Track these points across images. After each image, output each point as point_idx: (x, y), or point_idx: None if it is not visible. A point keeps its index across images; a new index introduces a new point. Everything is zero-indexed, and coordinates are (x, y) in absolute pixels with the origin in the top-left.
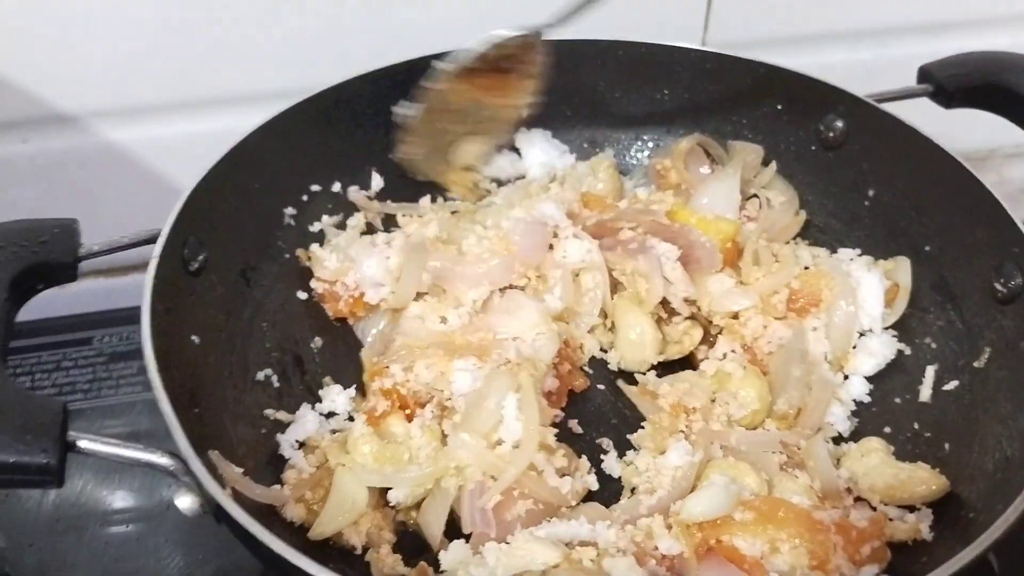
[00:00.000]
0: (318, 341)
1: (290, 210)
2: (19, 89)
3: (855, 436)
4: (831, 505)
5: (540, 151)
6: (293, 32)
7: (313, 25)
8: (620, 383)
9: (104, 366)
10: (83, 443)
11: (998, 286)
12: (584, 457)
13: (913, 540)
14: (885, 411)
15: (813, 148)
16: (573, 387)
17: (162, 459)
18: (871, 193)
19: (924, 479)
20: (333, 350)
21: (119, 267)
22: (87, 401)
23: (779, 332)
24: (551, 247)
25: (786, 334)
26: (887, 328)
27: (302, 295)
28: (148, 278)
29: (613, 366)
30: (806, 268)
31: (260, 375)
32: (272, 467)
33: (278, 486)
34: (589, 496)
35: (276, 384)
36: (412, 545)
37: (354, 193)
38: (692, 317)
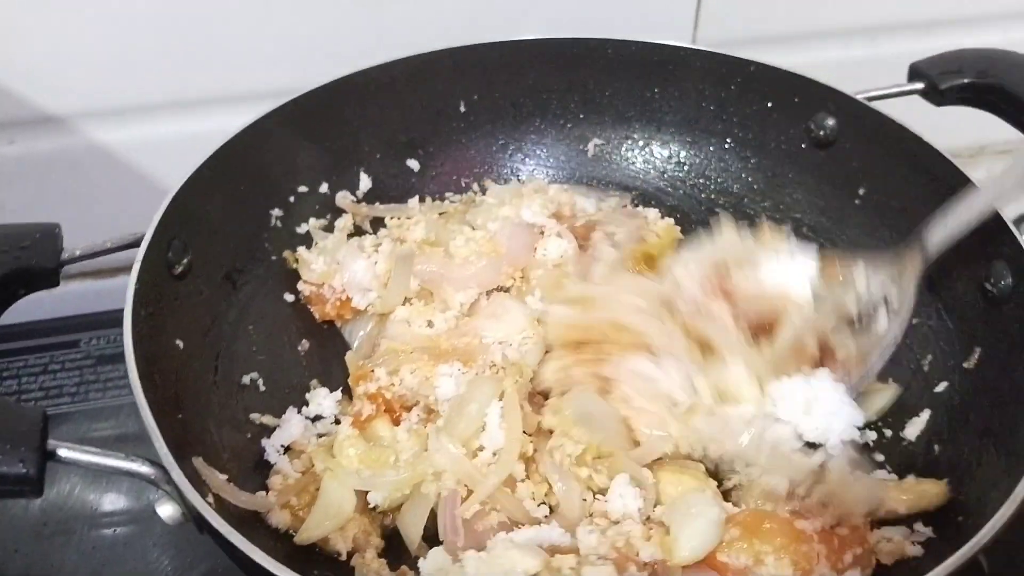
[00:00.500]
0: (305, 344)
1: (277, 211)
2: (6, 90)
3: None
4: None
5: None
6: (281, 32)
7: (302, 25)
8: None
9: (91, 369)
10: (63, 452)
11: (988, 286)
12: None
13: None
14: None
15: (803, 146)
16: None
17: (143, 467)
18: (861, 192)
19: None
20: (320, 353)
21: (106, 269)
22: (74, 404)
23: None
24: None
25: None
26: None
27: (289, 297)
28: (131, 282)
29: None
30: None
31: (246, 379)
32: (258, 472)
33: (263, 492)
34: None
35: (262, 388)
36: (399, 550)
37: (341, 198)
38: None
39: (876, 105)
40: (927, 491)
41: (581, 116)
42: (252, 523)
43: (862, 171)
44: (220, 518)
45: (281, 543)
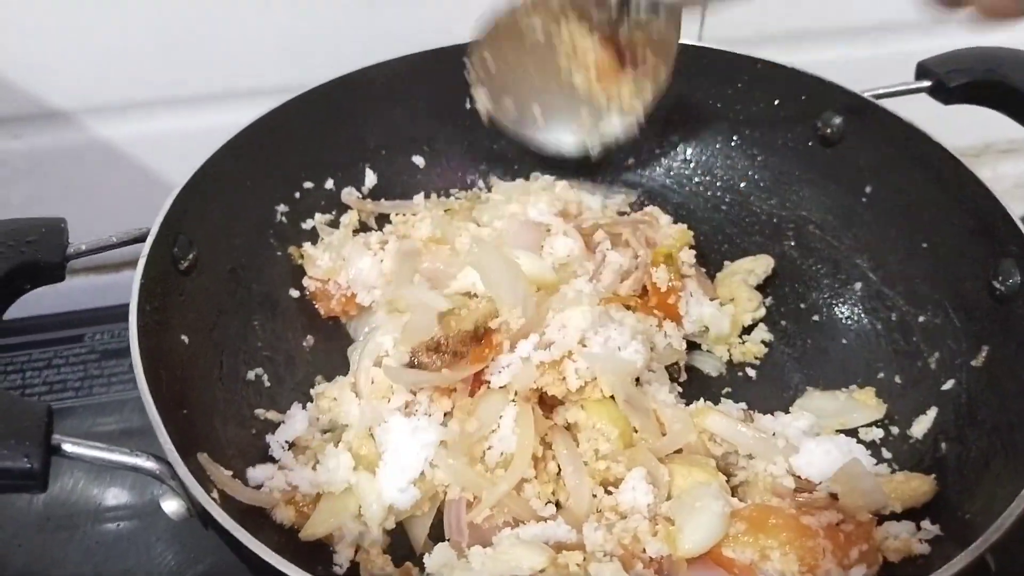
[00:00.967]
0: (310, 339)
1: (282, 207)
2: (11, 85)
3: None
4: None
5: None
6: (286, 29)
7: (306, 22)
8: None
9: (96, 364)
10: (68, 447)
11: (996, 284)
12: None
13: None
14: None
15: (810, 144)
16: None
17: (148, 463)
18: (868, 190)
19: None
20: (325, 348)
21: (111, 264)
22: (78, 399)
23: None
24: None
25: None
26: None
27: (294, 293)
28: (136, 277)
29: None
30: None
31: (251, 374)
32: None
33: (268, 488)
34: None
35: (267, 383)
36: (404, 546)
37: (347, 195)
38: None
39: (883, 103)
40: (916, 487)
41: None
42: (257, 518)
43: (869, 169)
44: (225, 514)
45: (286, 539)
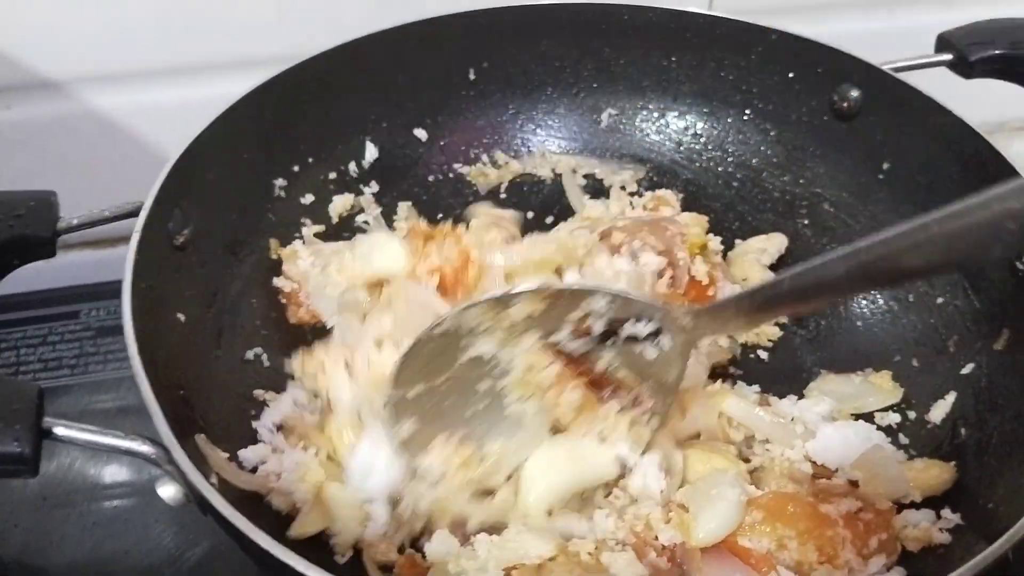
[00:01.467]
0: None
1: (280, 181)
2: (2, 54)
3: None
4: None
5: None
6: None
7: None
8: None
9: (91, 341)
10: (59, 430)
11: (1019, 264)
12: None
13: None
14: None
15: (826, 118)
16: None
17: (143, 447)
18: (886, 166)
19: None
20: (325, 328)
21: (107, 239)
22: (74, 377)
23: None
24: None
25: None
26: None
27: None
28: (130, 253)
29: None
30: None
31: (249, 354)
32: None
33: (263, 471)
34: None
35: (266, 363)
36: None
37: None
38: None
39: (902, 77)
40: (936, 474)
41: (595, 85)
42: (254, 503)
43: (887, 145)
44: (224, 500)
45: (283, 524)
